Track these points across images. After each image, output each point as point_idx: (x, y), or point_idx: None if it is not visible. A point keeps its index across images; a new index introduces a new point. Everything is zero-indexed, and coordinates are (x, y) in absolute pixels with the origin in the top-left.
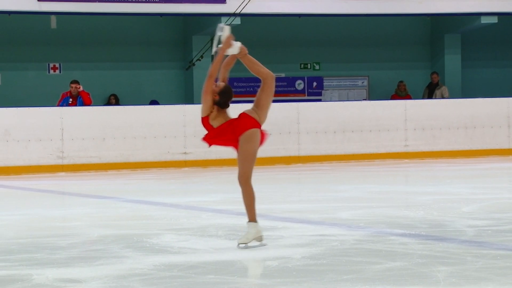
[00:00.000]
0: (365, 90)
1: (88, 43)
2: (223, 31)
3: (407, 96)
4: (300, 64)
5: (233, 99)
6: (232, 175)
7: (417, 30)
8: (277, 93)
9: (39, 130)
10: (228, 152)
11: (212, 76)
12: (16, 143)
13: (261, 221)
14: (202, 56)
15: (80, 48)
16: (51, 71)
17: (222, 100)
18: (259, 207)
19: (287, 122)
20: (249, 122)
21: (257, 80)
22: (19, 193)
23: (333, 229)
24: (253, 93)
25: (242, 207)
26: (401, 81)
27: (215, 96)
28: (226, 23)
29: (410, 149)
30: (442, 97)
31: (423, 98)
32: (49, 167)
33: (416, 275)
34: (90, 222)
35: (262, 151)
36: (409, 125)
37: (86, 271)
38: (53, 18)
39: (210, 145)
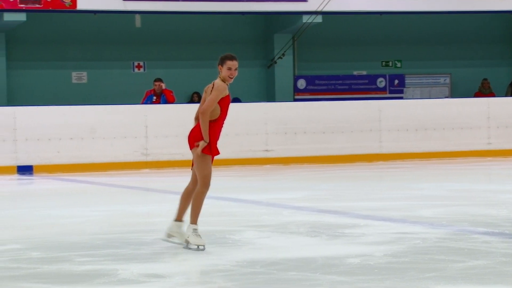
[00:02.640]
0: (447, 88)
1: (171, 42)
2: None
3: (490, 94)
4: (382, 62)
5: (314, 97)
6: (313, 172)
7: (498, 28)
8: (358, 90)
9: (124, 127)
10: (309, 149)
11: (206, 113)
12: (102, 140)
13: (343, 219)
14: (283, 54)
15: (163, 46)
16: (136, 70)
17: None
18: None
19: (368, 120)
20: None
21: (338, 78)
22: (104, 190)
23: (415, 227)
24: (333, 90)
25: (323, 205)
26: (485, 79)
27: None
28: (308, 20)
29: (492, 147)
30: None
31: (506, 96)
32: (133, 164)
33: (499, 273)
34: (172, 218)
35: (342, 149)
36: (492, 123)
37: (169, 266)
38: (138, 17)
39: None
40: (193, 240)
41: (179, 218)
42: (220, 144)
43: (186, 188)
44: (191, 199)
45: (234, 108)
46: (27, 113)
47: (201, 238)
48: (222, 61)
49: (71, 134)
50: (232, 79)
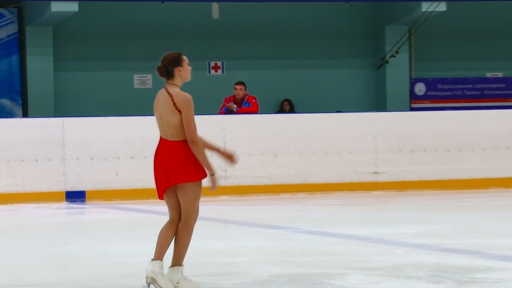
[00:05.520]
0: None
1: (256, 37)
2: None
3: None
4: None
5: (436, 105)
6: (435, 200)
7: None
8: (492, 97)
9: None
10: (430, 171)
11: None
12: None
13: (474, 260)
14: (397, 52)
15: (247, 43)
16: (212, 71)
17: None
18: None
19: (507, 134)
20: None
21: (466, 81)
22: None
23: None
24: (461, 97)
25: (448, 242)
26: None
27: None
28: (429, 9)
29: None
30: None
31: None
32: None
33: None
34: (258, 257)
35: (473, 171)
36: None
37: None
38: (215, 6)
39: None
40: (185, 286)
41: (158, 257)
42: (317, 164)
43: (165, 225)
44: (171, 236)
45: (334, 120)
46: (79, 126)
47: (193, 281)
48: (179, 60)
49: (133, 151)
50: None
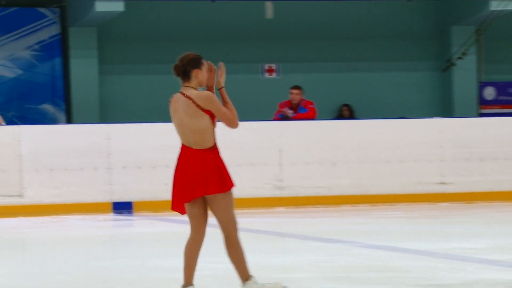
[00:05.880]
0: None
1: (313, 38)
2: None
3: None
4: None
5: (508, 110)
6: (507, 213)
7: None
8: None
9: (251, 151)
10: (502, 181)
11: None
12: None
13: None
14: (464, 53)
15: (303, 44)
16: (266, 74)
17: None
18: None
19: None
20: None
21: None
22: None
23: None
24: None
25: None
26: None
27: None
28: (498, 7)
29: None
30: None
31: None
32: (263, 200)
33: None
34: (317, 273)
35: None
36: None
37: None
38: (269, 5)
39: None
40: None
41: (188, 283)
42: (379, 174)
43: (188, 242)
44: (196, 255)
45: (397, 126)
46: (126, 133)
47: (273, 283)
48: (199, 63)
49: None
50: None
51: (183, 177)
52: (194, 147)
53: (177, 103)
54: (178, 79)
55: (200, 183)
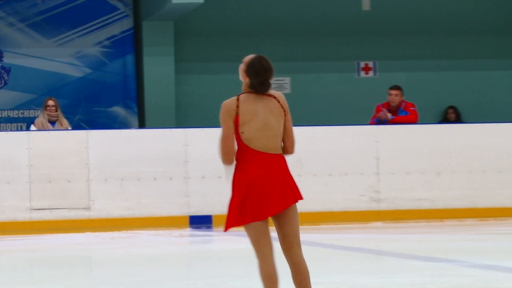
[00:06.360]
0: None
1: (415, 33)
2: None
3: None
4: None
5: None
6: None
7: None
8: None
9: (345, 159)
10: None
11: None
12: (312, 178)
13: None
14: None
15: (404, 39)
16: (362, 73)
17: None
18: None
19: None
20: None
21: None
22: (318, 252)
23: None
24: None
25: None
26: None
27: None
28: None
29: None
30: None
31: None
32: (358, 214)
33: None
34: None
35: None
36: None
37: None
38: None
39: None
40: None
41: None
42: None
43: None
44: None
45: (509, 131)
46: (204, 138)
47: None
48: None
49: None
50: None
51: (275, 186)
52: (273, 152)
53: (254, 104)
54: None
55: (290, 190)
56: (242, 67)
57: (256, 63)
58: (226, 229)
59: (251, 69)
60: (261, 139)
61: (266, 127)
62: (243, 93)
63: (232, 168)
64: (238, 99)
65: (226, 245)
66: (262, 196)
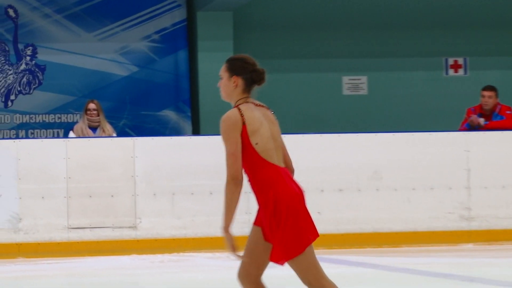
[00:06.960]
0: None
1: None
2: None
3: None
4: None
5: None
6: None
7: None
8: None
9: (428, 171)
10: None
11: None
12: (391, 192)
13: None
14: None
15: (498, 32)
16: (450, 71)
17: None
18: None
19: None
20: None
21: None
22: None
23: None
24: None
25: None
26: None
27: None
28: None
29: None
30: None
31: None
32: (447, 234)
33: None
34: None
35: None
36: None
37: None
38: None
39: None
40: None
41: None
42: None
43: None
44: None
45: None
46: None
47: None
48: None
49: (339, 182)
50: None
51: (305, 204)
52: (283, 165)
53: (256, 112)
54: (340, 81)
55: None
56: (223, 74)
57: (236, 58)
58: (284, 262)
59: (236, 65)
60: (273, 150)
61: (273, 137)
62: (239, 103)
63: (237, 199)
64: (239, 109)
65: (290, 270)
66: (305, 215)
